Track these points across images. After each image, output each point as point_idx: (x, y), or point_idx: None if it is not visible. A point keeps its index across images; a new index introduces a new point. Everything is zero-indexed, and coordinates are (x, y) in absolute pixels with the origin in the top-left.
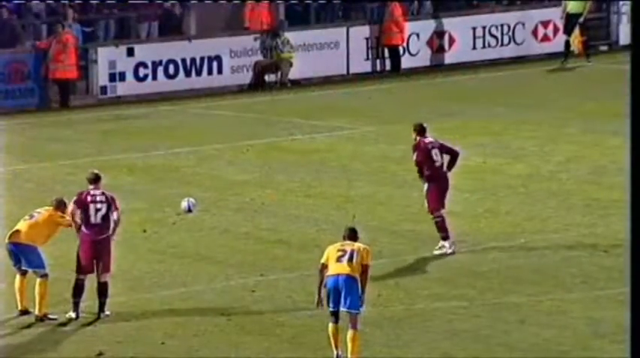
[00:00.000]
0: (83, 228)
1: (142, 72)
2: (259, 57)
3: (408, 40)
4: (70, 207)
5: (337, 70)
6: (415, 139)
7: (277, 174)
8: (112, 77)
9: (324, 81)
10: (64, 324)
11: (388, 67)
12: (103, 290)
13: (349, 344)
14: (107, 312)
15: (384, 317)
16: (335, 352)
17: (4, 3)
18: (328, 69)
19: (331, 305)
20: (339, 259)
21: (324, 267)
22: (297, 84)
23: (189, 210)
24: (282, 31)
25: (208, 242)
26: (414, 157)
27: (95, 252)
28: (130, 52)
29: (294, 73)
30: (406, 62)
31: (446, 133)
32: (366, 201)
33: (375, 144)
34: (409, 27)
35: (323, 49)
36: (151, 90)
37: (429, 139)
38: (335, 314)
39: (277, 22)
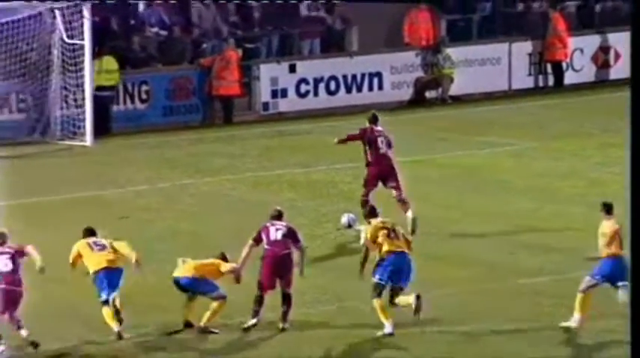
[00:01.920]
0: (265, 245)
1: (303, 88)
2: (419, 73)
3: (572, 55)
4: (248, 244)
5: (499, 85)
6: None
7: (436, 190)
8: (274, 93)
9: (485, 97)
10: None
11: (551, 82)
12: (286, 300)
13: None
14: (286, 325)
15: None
16: (388, 324)
17: (173, 21)
18: (490, 85)
19: (389, 279)
20: (390, 236)
21: (374, 243)
22: (457, 100)
23: (349, 226)
24: (443, 46)
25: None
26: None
27: (277, 269)
28: (292, 69)
29: (455, 89)
30: (570, 78)
31: (611, 149)
32: (527, 217)
33: (537, 160)
34: (573, 42)
35: (485, 65)
36: (313, 107)
37: (378, 128)
38: (382, 289)
39: (438, 38)
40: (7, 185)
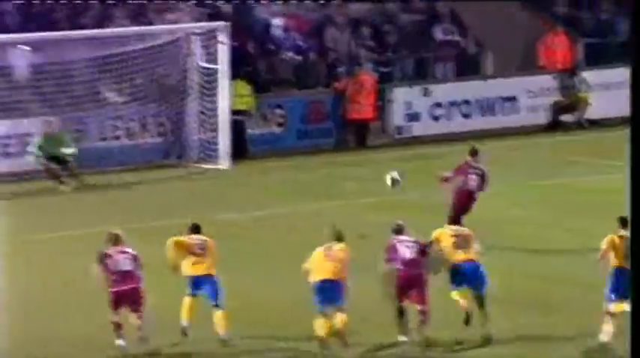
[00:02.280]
0: (398, 265)
1: (437, 112)
2: (555, 96)
3: None
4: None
5: None
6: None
7: (571, 214)
8: (408, 117)
9: (622, 121)
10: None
11: None
12: (422, 317)
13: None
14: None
15: None
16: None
17: (309, 45)
18: (628, 108)
19: (464, 285)
20: (459, 246)
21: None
22: (595, 124)
23: (395, 183)
24: (580, 70)
25: (496, 282)
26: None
27: (409, 285)
28: (426, 93)
29: (592, 113)
30: None
31: None
32: None
33: None
34: None
35: (622, 89)
36: (447, 130)
37: (475, 164)
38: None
39: (575, 61)
40: (145, 207)
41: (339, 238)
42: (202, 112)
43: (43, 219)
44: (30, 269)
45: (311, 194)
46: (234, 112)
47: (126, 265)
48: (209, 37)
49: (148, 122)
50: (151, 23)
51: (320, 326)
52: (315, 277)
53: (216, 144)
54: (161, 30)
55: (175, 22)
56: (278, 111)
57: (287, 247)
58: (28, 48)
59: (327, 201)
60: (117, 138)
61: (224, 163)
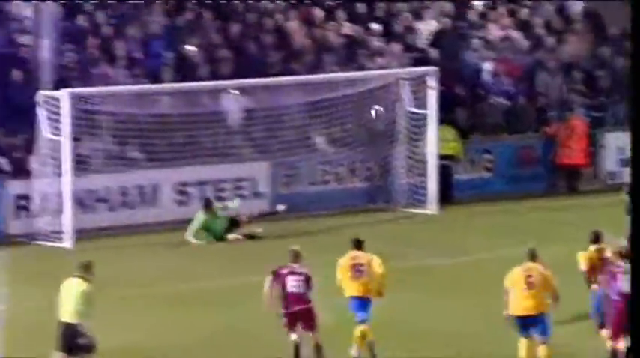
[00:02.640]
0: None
1: None
2: None
3: None
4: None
5: None
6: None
7: None
8: (621, 163)
9: None
10: None
11: None
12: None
13: None
14: None
15: None
16: None
17: (518, 89)
18: None
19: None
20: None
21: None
22: None
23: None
24: None
25: None
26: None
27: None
28: None
29: None
30: None
31: None
32: None
33: None
34: None
35: None
36: None
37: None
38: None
39: None
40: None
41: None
42: (410, 157)
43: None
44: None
45: (520, 239)
46: (441, 157)
47: (296, 287)
48: (418, 82)
49: (357, 167)
50: (360, 69)
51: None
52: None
53: (423, 188)
54: (371, 75)
55: (384, 68)
56: (486, 156)
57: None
58: (239, 93)
59: (538, 246)
60: (326, 182)
61: (431, 208)
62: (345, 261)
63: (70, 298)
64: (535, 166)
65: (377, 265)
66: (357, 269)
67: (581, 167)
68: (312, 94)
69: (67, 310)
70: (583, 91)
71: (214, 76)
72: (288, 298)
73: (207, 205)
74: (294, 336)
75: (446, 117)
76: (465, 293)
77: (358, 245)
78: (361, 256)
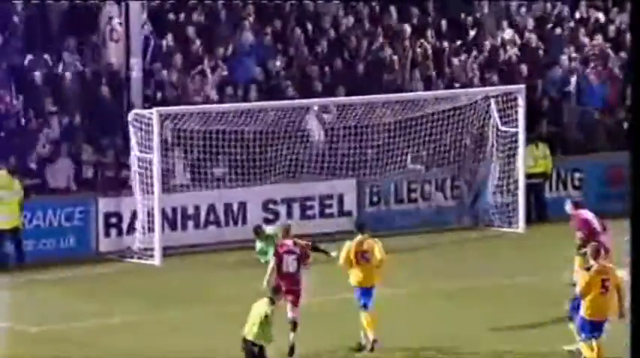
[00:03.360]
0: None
1: None
2: None
3: None
4: None
5: None
6: None
7: None
8: None
9: None
10: None
11: None
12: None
13: None
14: None
15: None
16: None
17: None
18: None
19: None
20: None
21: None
22: None
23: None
24: None
25: None
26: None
27: None
28: None
29: None
30: None
31: None
32: None
33: None
34: None
35: None
36: None
37: None
38: None
39: None
40: (437, 269)
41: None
42: (498, 176)
43: None
44: None
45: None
46: (531, 176)
47: (292, 267)
48: (507, 99)
49: (446, 185)
50: (448, 87)
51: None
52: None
53: (512, 207)
54: (462, 92)
55: (472, 85)
56: (577, 174)
57: None
58: (326, 110)
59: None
60: (414, 200)
61: (520, 226)
62: (352, 247)
63: (254, 318)
64: (625, 185)
65: (377, 251)
66: (362, 256)
67: None
68: (401, 112)
69: (251, 329)
70: None
71: (306, 93)
72: (283, 277)
73: (257, 232)
74: (290, 314)
75: (534, 133)
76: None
77: (362, 228)
78: (367, 243)
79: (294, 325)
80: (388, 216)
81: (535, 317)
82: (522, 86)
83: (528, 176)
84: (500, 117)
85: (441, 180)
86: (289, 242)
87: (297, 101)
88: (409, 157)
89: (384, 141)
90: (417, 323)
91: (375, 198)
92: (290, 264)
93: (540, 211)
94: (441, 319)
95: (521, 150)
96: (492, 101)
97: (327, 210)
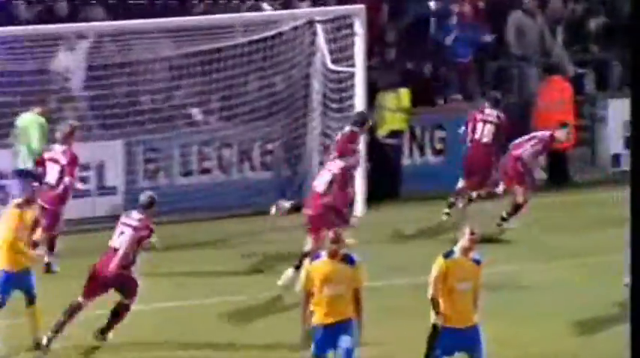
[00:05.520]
0: None
1: None
2: None
3: None
4: None
5: None
6: None
7: None
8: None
9: None
10: None
11: None
12: None
13: None
14: None
15: None
16: None
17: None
18: None
19: None
20: None
21: None
22: None
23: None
24: None
25: None
26: None
27: None
28: None
29: None
30: None
31: None
32: None
33: None
34: None
35: None
36: None
37: None
38: None
39: None
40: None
41: None
42: (329, 136)
43: None
44: None
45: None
46: (390, 135)
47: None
48: (340, 26)
49: (252, 149)
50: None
51: None
52: None
53: None
54: (270, 18)
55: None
56: (438, 132)
57: None
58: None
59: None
60: (207, 171)
61: (358, 210)
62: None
63: None
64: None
65: None
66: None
67: (567, 149)
68: (186, 45)
69: None
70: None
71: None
72: None
73: None
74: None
75: (382, 77)
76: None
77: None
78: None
79: None
80: (173, 195)
81: None
82: (361, 6)
83: (380, 136)
84: (331, 52)
85: (248, 142)
86: None
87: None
88: (198, 109)
89: (164, 85)
90: None
91: (151, 168)
92: None
93: (394, 187)
94: None
95: (360, 99)
96: (319, 28)
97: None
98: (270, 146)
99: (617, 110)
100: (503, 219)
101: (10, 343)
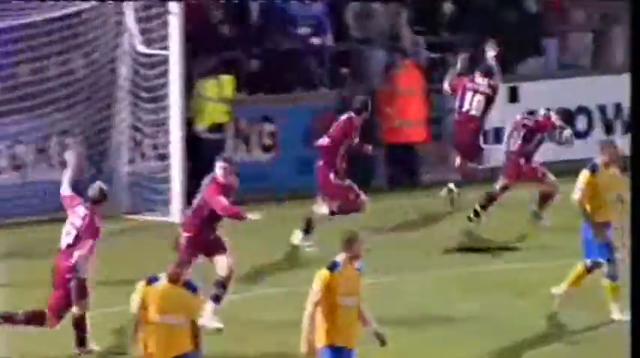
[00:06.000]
0: None
1: None
2: None
3: None
4: None
5: None
6: None
7: None
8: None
9: None
10: None
11: None
12: None
13: None
14: None
15: None
16: None
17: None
18: None
19: None
20: None
21: None
22: None
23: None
24: None
25: None
26: None
27: None
28: None
29: None
30: None
31: None
32: None
33: None
34: None
35: None
36: None
37: None
38: None
39: None
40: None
41: None
42: (138, 129)
43: None
44: None
45: None
46: (212, 128)
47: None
48: (152, 4)
49: (49, 146)
50: None
51: None
52: None
53: (165, 181)
54: None
55: None
56: (267, 126)
57: None
58: None
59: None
60: None
61: (175, 213)
62: None
63: None
64: None
65: None
66: None
67: (418, 144)
68: None
69: None
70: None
71: None
72: None
73: None
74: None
75: (202, 63)
76: None
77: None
78: None
79: None
80: None
81: None
82: None
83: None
84: (142, 33)
85: (41, 140)
86: None
87: None
88: None
89: None
90: None
91: None
92: None
93: None
94: None
95: (174, 89)
96: (127, 4)
97: None
98: (68, 141)
99: None
100: (538, 216)
101: None
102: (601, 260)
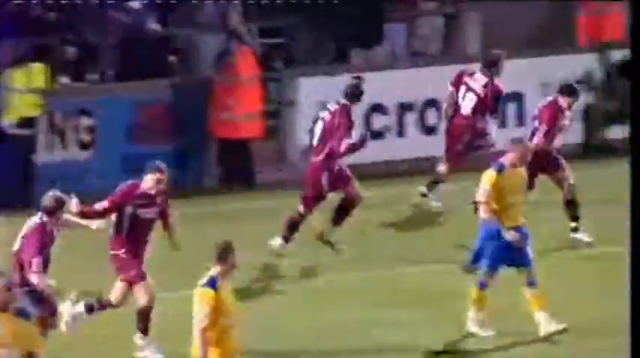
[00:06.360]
0: None
1: None
2: None
3: None
4: None
5: None
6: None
7: None
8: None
9: None
10: None
11: None
12: None
13: None
14: None
15: None
16: None
17: None
18: None
19: None
20: None
21: None
22: None
23: None
24: None
25: None
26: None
27: None
28: None
29: None
30: None
31: None
32: None
33: None
34: None
35: None
36: None
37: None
38: None
39: None
40: None
41: None
42: None
43: None
44: None
45: None
46: (20, 124)
47: None
48: None
49: None
50: None
51: None
52: None
53: None
54: None
55: None
56: (84, 120)
57: None
58: None
59: None
60: None
61: None
62: None
63: None
64: (170, 137)
65: None
66: None
67: (251, 140)
68: None
69: None
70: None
71: None
72: None
73: None
74: None
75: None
76: None
77: None
78: None
79: None
80: None
81: None
82: None
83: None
84: None
85: None
86: None
87: None
88: None
89: None
90: None
91: None
92: None
93: (29, 189)
94: None
95: None
96: None
97: None
98: None
99: (309, 91)
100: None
101: None
102: (477, 266)
